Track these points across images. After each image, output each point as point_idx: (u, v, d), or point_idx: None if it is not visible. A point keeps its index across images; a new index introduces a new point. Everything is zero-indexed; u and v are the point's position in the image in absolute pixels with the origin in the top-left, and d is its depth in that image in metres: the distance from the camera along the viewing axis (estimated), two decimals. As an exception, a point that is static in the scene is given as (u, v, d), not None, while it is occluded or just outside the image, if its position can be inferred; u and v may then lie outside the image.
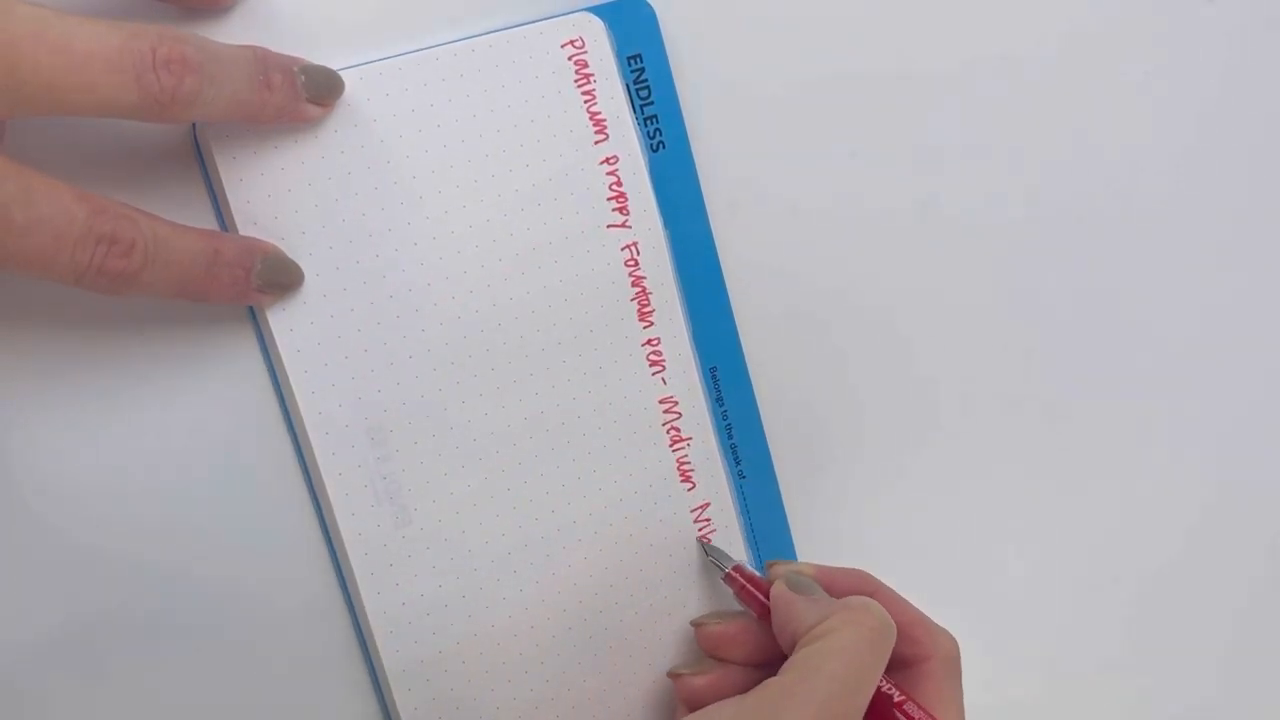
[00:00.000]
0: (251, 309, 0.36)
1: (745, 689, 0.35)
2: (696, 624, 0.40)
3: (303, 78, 0.34)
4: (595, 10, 0.40)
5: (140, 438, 0.35)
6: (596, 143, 0.40)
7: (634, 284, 0.41)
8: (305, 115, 0.35)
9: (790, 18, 0.43)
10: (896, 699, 0.36)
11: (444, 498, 0.38)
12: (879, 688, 0.36)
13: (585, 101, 0.39)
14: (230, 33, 0.35)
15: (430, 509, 0.38)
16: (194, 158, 0.35)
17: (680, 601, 0.42)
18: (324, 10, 0.36)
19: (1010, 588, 0.51)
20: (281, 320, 0.35)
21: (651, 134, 0.41)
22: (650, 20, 0.41)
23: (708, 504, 0.43)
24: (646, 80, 0.41)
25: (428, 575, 0.38)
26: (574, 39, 0.39)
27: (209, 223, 0.35)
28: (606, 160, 0.40)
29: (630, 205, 0.40)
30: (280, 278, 0.35)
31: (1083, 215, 0.51)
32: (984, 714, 0.39)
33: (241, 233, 0.35)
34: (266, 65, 0.33)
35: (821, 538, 0.47)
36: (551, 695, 0.40)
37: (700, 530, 0.42)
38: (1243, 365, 0.56)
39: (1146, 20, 0.50)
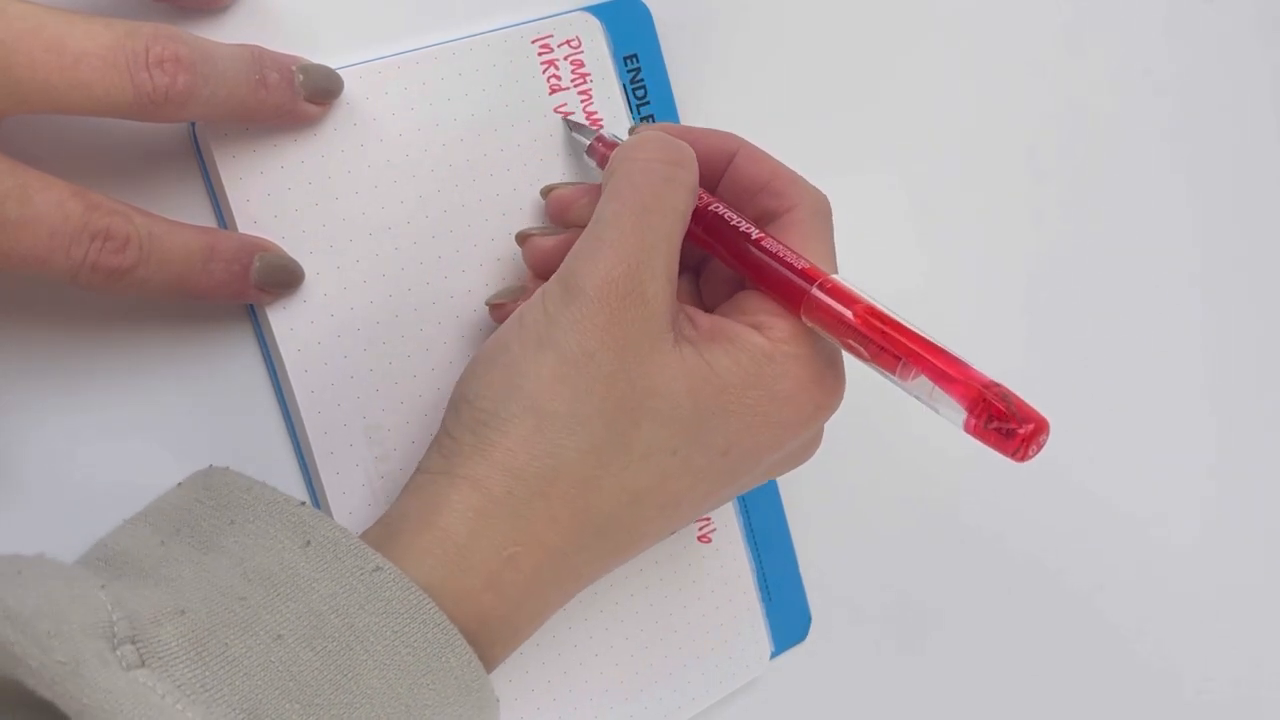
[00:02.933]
0: (251, 308, 0.36)
1: None
2: (546, 190, 0.38)
3: (301, 77, 0.34)
4: (592, 10, 0.40)
5: (139, 437, 0.35)
6: (594, 142, 0.40)
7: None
8: (304, 114, 0.35)
9: (785, 17, 0.44)
10: (755, 236, 0.35)
11: (442, 497, 0.38)
12: (731, 223, 0.35)
13: (582, 101, 0.40)
14: (229, 32, 0.35)
15: (429, 508, 0.38)
16: (194, 157, 0.35)
17: (682, 603, 0.42)
18: (323, 9, 0.36)
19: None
20: (281, 319, 0.35)
21: (649, 133, 0.41)
22: (646, 20, 0.41)
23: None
24: (643, 80, 0.41)
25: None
26: (571, 38, 0.39)
27: (209, 222, 0.35)
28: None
29: (628, 204, 0.40)
30: (280, 276, 0.35)
31: (1082, 213, 0.51)
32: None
33: (241, 232, 0.35)
34: (263, 64, 0.33)
35: (820, 530, 0.46)
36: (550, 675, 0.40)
37: (700, 531, 0.42)
38: (1240, 357, 0.55)
39: (1146, 20, 0.50)
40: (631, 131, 0.38)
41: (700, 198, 0.36)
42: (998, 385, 0.30)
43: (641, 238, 0.32)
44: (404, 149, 0.37)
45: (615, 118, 0.40)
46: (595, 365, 0.32)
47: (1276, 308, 0.57)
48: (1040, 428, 0.30)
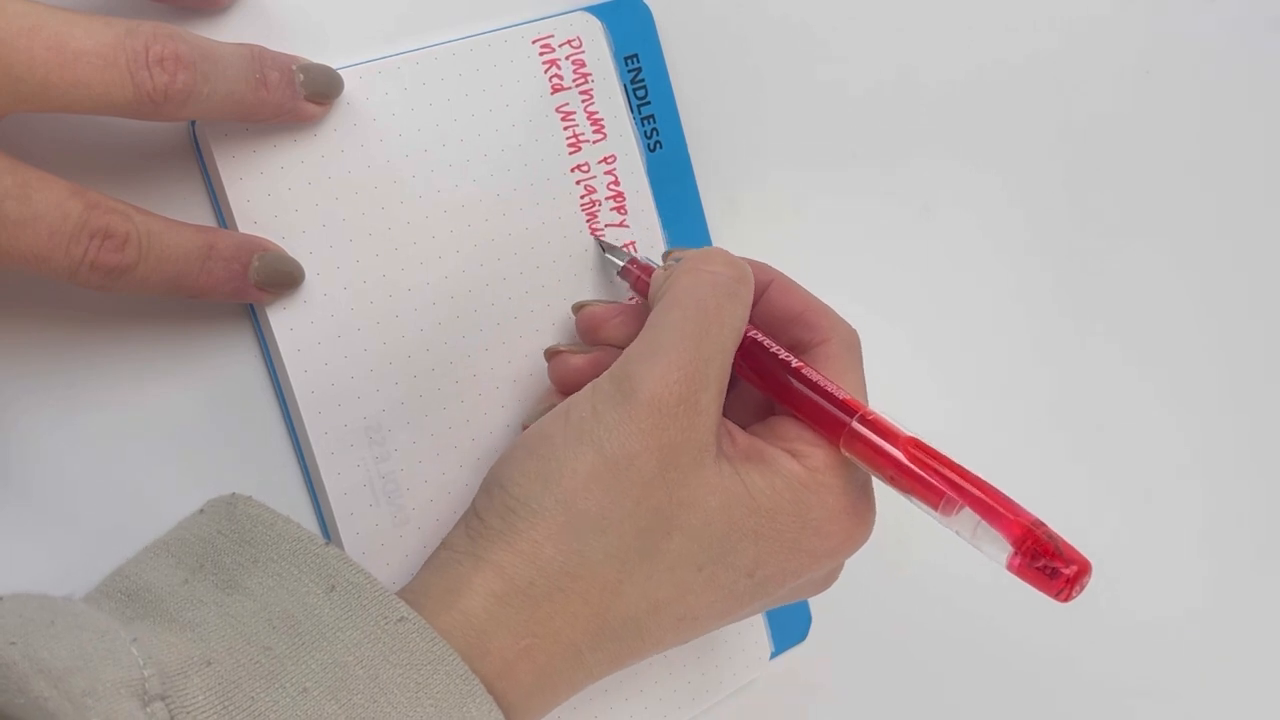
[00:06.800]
0: (251, 308, 0.36)
1: None
2: (577, 306, 0.39)
3: (301, 76, 0.34)
4: (593, 10, 0.40)
5: (138, 437, 0.35)
6: (595, 142, 0.40)
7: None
8: (304, 114, 0.35)
9: (786, 17, 0.44)
10: (795, 365, 0.35)
11: (442, 498, 0.38)
12: (770, 350, 0.35)
13: (583, 101, 0.40)
14: (230, 31, 0.35)
15: (428, 509, 0.37)
16: (193, 156, 0.35)
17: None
18: (323, 9, 0.36)
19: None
20: (281, 319, 0.35)
21: (649, 134, 0.41)
22: (647, 20, 0.41)
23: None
24: (644, 80, 0.41)
25: (426, 574, 0.37)
26: (572, 38, 0.39)
27: (209, 222, 0.35)
28: (604, 160, 0.40)
29: (628, 205, 0.40)
30: (279, 275, 0.35)
31: (1081, 214, 0.51)
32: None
33: (241, 231, 0.35)
34: (264, 63, 0.33)
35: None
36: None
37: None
38: (1239, 359, 0.55)
39: (1146, 20, 0.50)
40: (665, 257, 0.38)
41: None
42: (1044, 524, 0.31)
43: (700, 348, 0.32)
44: (404, 149, 0.37)
45: (616, 118, 0.40)
46: (635, 470, 0.32)
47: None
48: (1084, 569, 0.30)
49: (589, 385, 0.33)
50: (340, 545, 0.36)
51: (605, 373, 0.33)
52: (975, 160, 0.48)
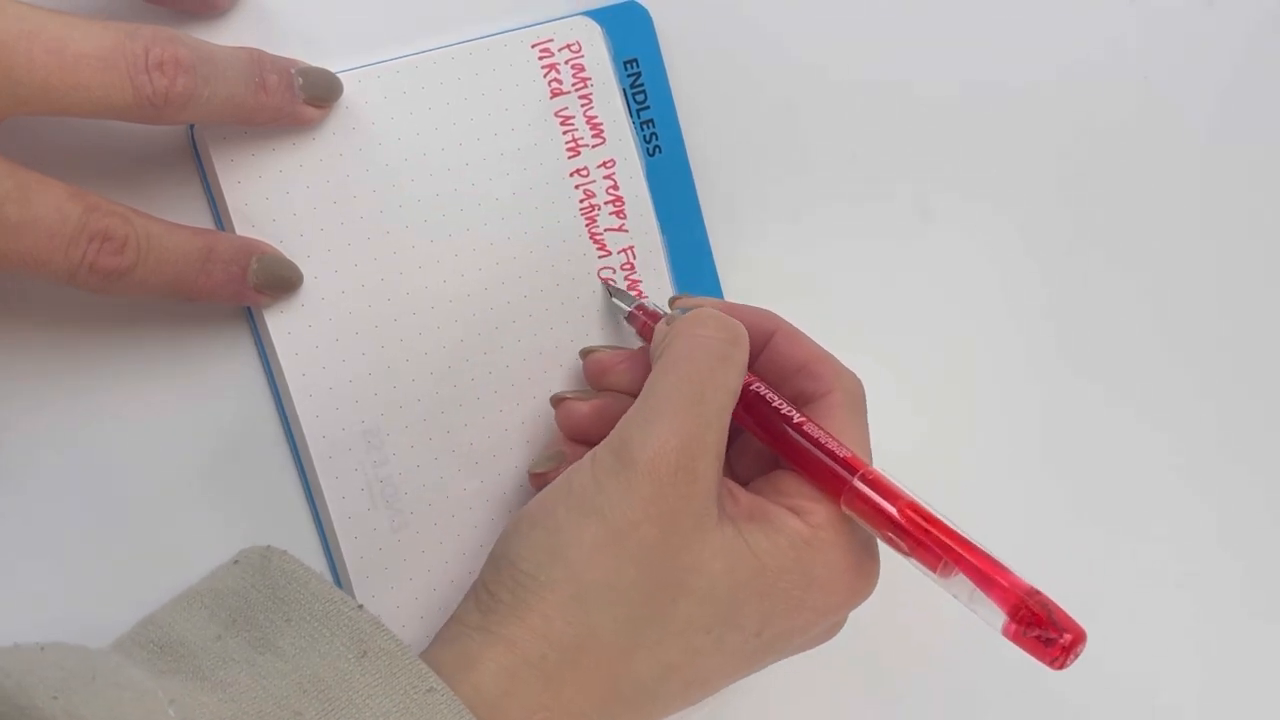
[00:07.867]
0: (249, 312, 0.36)
1: None
2: (585, 351, 0.39)
3: (300, 80, 0.34)
4: (592, 15, 0.40)
5: (136, 441, 0.35)
6: (594, 147, 0.40)
7: (630, 288, 0.41)
8: (302, 117, 0.35)
9: (785, 22, 0.44)
10: (796, 420, 0.35)
11: (441, 502, 0.38)
12: (773, 404, 0.35)
13: (582, 105, 0.40)
14: (229, 35, 0.35)
15: (427, 513, 0.37)
16: (192, 159, 0.35)
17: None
18: (323, 13, 0.37)
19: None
20: (279, 323, 0.35)
21: (648, 138, 0.41)
22: (646, 25, 0.41)
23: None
24: (643, 85, 0.41)
25: (423, 579, 0.37)
26: (571, 43, 0.39)
27: (207, 225, 0.35)
28: (604, 164, 0.40)
29: (627, 209, 0.40)
30: (277, 278, 0.35)
31: (1083, 216, 0.51)
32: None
33: (240, 235, 0.35)
34: (263, 67, 0.33)
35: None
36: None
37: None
38: (1246, 366, 0.55)
39: (1146, 22, 0.50)
40: (672, 303, 0.39)
41: None
42: (1038, 593, 0.31)
43: (696, 414, 0.33)
44: (403, 153, 0.37)
45: (615, 122, 0.40)
46: (637, 538, 0.32)
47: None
48: (1079, 638, 0.30)
49: (588, 455, 0.33)
50: (338, 549, 0.36)
51: (604, 441, 0.33)
52: (974, 165, 0.48)
